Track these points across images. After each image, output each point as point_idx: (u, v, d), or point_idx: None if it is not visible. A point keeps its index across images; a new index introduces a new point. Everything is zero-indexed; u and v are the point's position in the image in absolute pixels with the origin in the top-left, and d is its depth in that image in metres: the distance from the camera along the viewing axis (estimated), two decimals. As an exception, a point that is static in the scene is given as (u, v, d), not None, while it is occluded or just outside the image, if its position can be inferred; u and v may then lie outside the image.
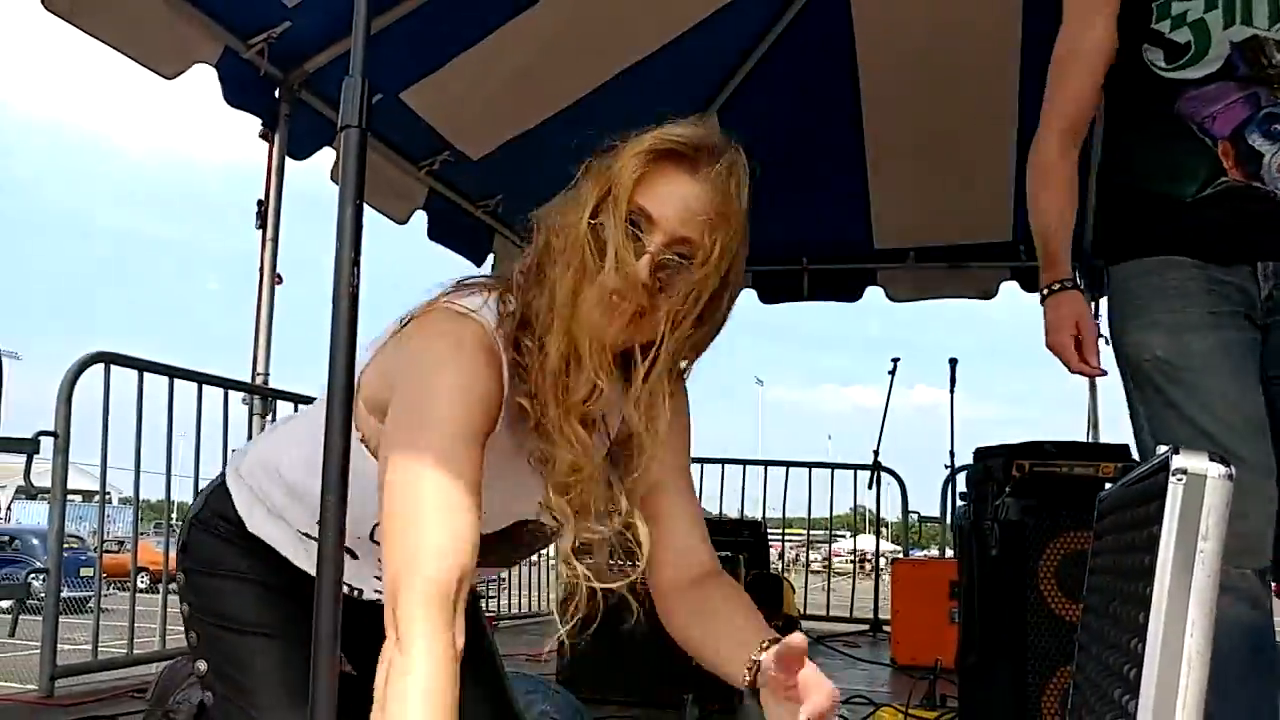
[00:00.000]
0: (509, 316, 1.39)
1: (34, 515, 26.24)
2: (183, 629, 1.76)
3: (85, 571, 13.26)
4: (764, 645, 1.35)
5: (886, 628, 6.34)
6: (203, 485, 1.82)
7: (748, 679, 1.31)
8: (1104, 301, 2.29)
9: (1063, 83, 2.31)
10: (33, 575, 16.06)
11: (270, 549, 1.68)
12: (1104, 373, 2.25)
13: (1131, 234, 2.20)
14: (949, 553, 7.05)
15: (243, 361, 4.85)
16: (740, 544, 5.83)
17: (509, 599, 7.78)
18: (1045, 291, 2.28)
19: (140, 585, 4.57)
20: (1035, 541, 3.13)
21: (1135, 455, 2.43)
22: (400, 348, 1.42)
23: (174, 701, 1.95)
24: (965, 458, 6.39)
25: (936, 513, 7.65)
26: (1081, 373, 2.25)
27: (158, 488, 4.69)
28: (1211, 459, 1.08)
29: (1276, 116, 2.04)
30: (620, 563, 1.50)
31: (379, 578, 1.54)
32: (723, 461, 7.90)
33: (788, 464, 8.03)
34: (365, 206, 1.17)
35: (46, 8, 3.62)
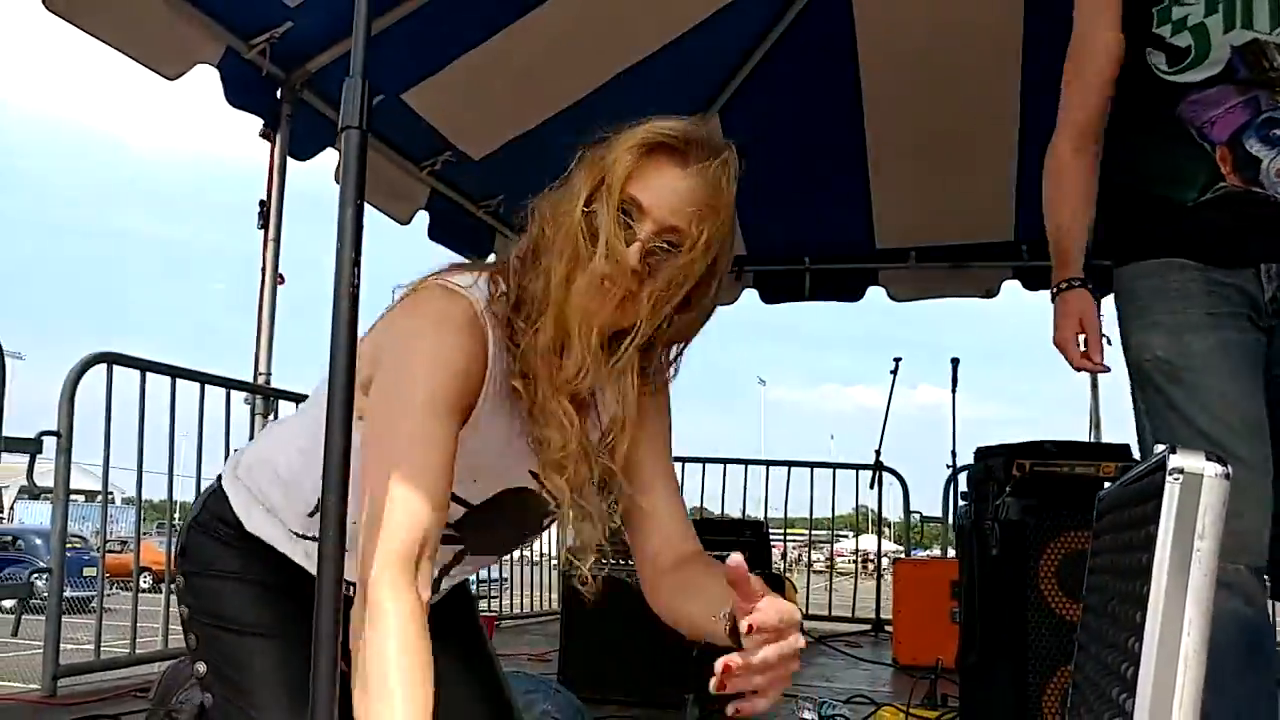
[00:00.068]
0: (501, 297, 1.45)
1: (37, 515, 26.26)
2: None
3: (88, 571, 13.28)
4: None
5: (888, 628, 6.34)
6: (205, 485, 1.82)
7: (726, 628, 1.31)
8: (1107, 301, 2.30)
9: (1074, 86, 2.34)
10: (35, 575, 16.07)
11: (269, 549, 1.68)
12: (1107, 369, 2.27)
13: (1134, 236, 2.22)
14: (951, 552, 7.05)
15: (245, 361, 4.86)
16: (742, 544, 5.83)
17: (510, 599, 7.78)
18: (1055, 290, 2.31)
19: (143, 585, 4.58)
20: (1036, 541, 3.14)
21: (1137, 455, 2.44)
22: (389, 325, 1.47)
23: (177, 701, 1.95)
24: (967, 457, 6.40)
25: (939, 513, 7.65)
26: (1083, 369, 2.27)
27: (160, 488, 4.71)
28: (1208, 458, 1.08)
29: (1275, 121, 2.05)
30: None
31: None
32: (725, 461, 7.91)
33: (789, 464, 8.03)
34: (367, 207, 1.18)
35: (48, 8, 3.62)
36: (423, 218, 5.81)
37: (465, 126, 5.61)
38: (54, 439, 3.90)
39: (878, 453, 7.60)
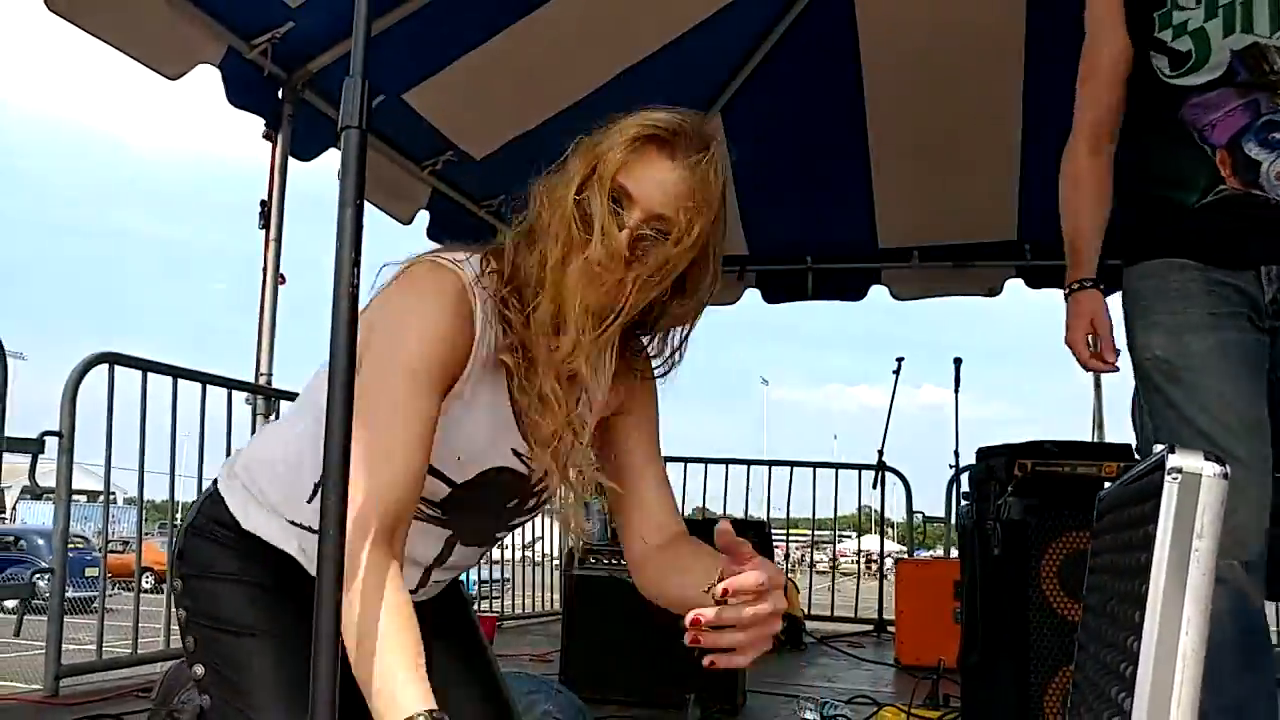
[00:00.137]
0: (493, 273, 1.50)
1: (39, 515, 26.28)
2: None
3: (90, 571, 13.30)
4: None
5: (891, 628, 6.34)
6: (206, 485, 1.83)
7: (715, 596, 1.31)
8: (1115, 300, 2.32)
9: (1087, 87, 2.37)
10: (38, 575, 16.06)
11: (267, 549, 1.68)
12: (1116, 369, 2.29)
13: (1139, 237, 2.24)
14: (954, 553, 7.05)
15: (247, 361, 4.87)
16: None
17: (512, 600, 7.78)
18: (1067, 290, 2.34)
19: (145, 585, 4.60)
20: (1037, 541, 3.14)
21: (1139, 455, 2.45)
22: (383, 301, 1.51)
23: (178, 701, 1.95)
24: (970, 457, 6.39)
25: (942, 513, 7.64)
26: (1093, 369, 2.31)
27: (162, 488, 4.70)
28: (1207, 458, 1.09)
29: (1275, 124, 2.06)
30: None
31: None
32: (727, 462, 7.90)
33: (792, 464, 8.03)
34: (368, 207, 1.18)
35: (49, 8, 3.62)
36: (424, 218, 5.81)
37: (466, 126, 5.62)
38: (56, 439, 3.90)
39: (880, 453, 7.60)
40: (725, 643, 1.26)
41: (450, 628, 1.84)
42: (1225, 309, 2.09)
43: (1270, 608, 2.14)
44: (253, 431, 4.65)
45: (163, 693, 2.04)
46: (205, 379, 4.54)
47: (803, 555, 10.23)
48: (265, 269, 4.80)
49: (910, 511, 7.92)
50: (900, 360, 7.63)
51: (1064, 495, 3.15)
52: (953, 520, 7.27)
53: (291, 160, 4.82)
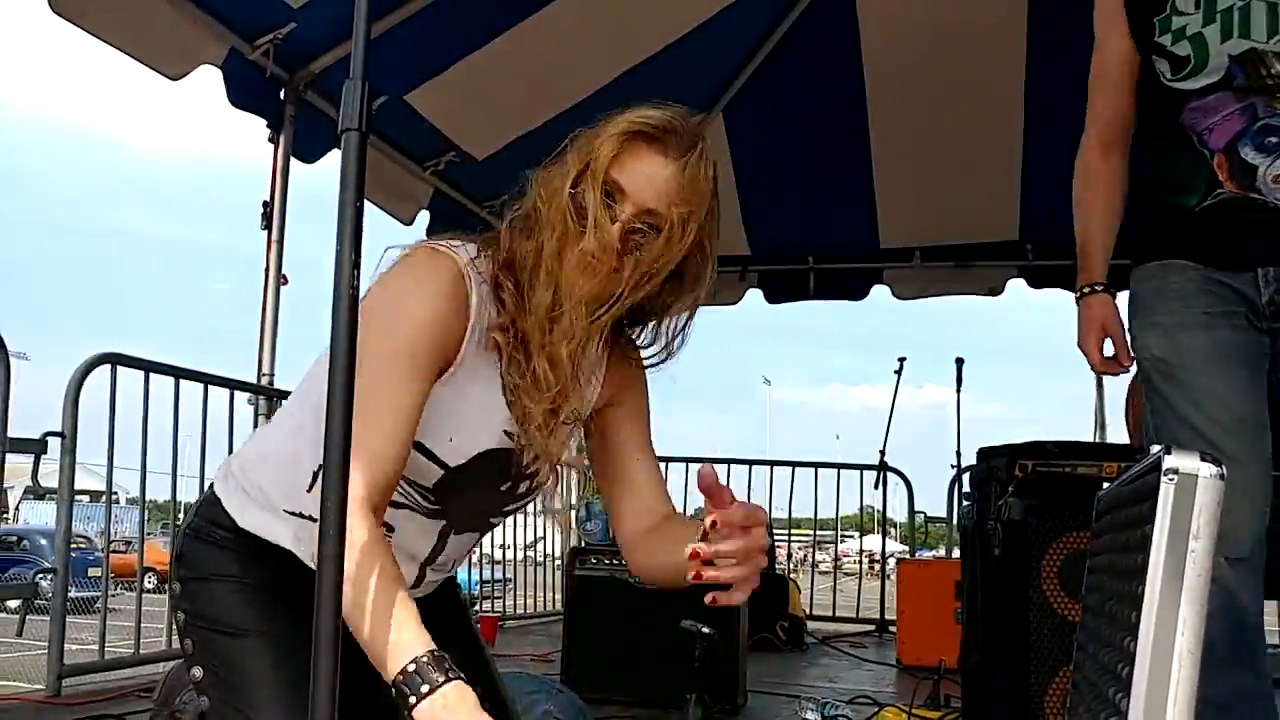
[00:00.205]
0: (489, 258, 1.56)
1: (42, 515, 26.28)
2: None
3: (93, 571, 13.31)
4: None
5: (893, 628, 6.35)
6: (206, 488, 1.84)
7: (704, 529, 1.38)
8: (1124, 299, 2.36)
9: (1096, 94, 2.40)
10: (40, 575, 16.07)
11: (266, 550, 1.69)
12: (1127, 370, 2.32)
13: (1143, 239, 2.27)
14: (956, 553, 7.05)
15: (249, 362, 4.87)
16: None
17: (513, 600, 7.79)
18: (1078, 293, 2.37)
19: (147, 585, 4.60)
20: (1038, 541, 3.14)
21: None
22: (381, 286, 1.55)
23: (180, 702, 1.96)
24: (972, 457, 6.39)
25: (944, 513, 7.64)
26: (1106, 373, 2.35)
27: (164, 488, 4.71)
28: (1203, 459, 1.09)
29: (1271, 129, 2.09)
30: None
31: None
32: (729, 461, 7.90)
33: (794, 464, 8.03)
34: (369, 207, 1.19)
35: (53, 9, 3.63)
36: (424, 218, 5.82)
37: (468, 127, 5.62)
38: (58, 439, 3.91)
39: (882, 453, 7.60)
40: (724, 577, 1.31)
41: (447, 629, 1.84)
42: (1221, 308, 2.12)
43: (1270, 607, 2.14)
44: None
45: (165, 693, 2.04)
46: (207, 379, 4.55)
47: (805, 555, 10.20)
48: (267, 269, 4.81)
49: (912, 512, 7.92)
50: (902, 360, 7.63)
51: (1065, 495, 3.15)
52: (954, 520, 7.27)
53: (293, 161, 4.83)
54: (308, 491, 1.62)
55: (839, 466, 8.19)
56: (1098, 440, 6.49)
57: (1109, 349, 2.32)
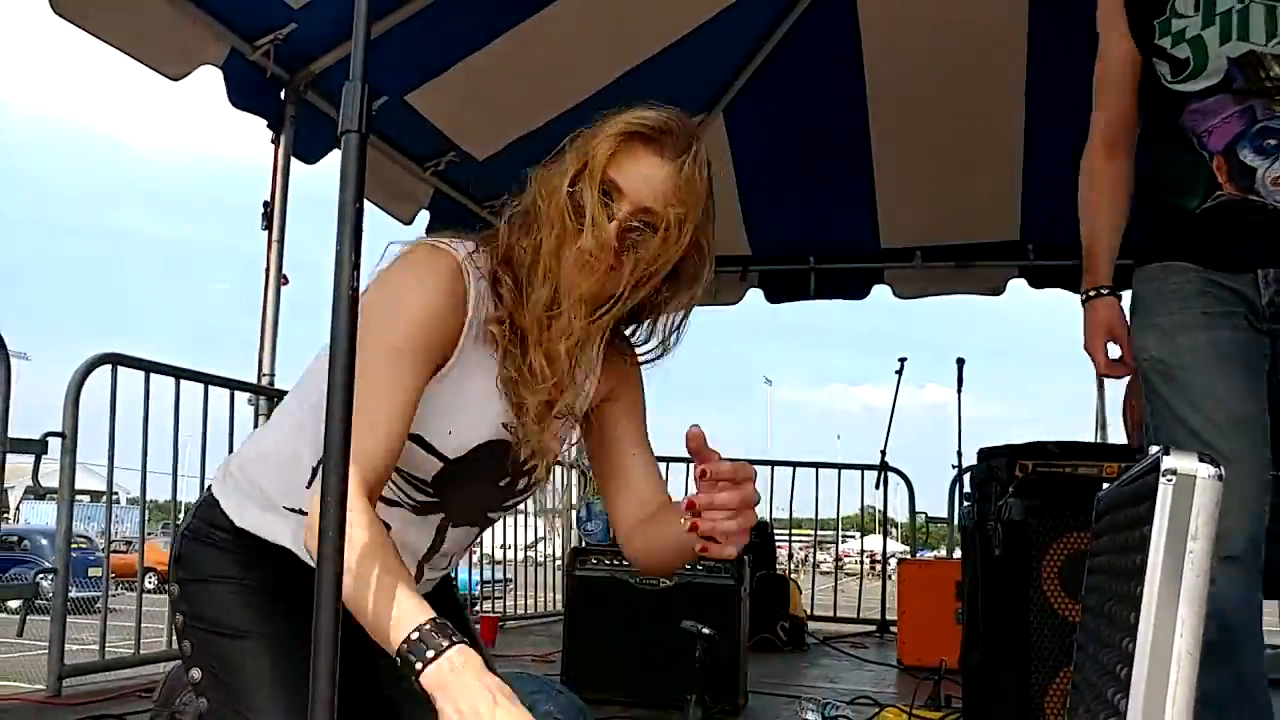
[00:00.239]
0: (487, 253, 1.60)
1: (42, 515, 26.26)
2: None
3: (93, 571, 13.30)
4: None
5: (894, 629, 6.35)
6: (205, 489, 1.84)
7: (695, 478, 1.45)
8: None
9: (1100, 95, 2.41)
10: (41, 575, 16.06)
11: (264, 551, 1.69)
12: (1132, 373, 2.33)
13: (1145, 240, 2.29)
14: (958, 553, 7.04)
15: (249, 362, 4.87)
16: (747, 545, 5.84)
17: (515, 600, 7.79)
18: (1084, 296, 2.38)
19: (147, 585, 4.60)
20: (1038, 542, 3.14)
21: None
22: (380, 283, 1.57)
23: (180, 703, 1.96)
24: (973, 457, 6.38)
25: (945, 513, 7.63)
26: (1111, 375, 2.36)
27: (165, 488, 4.72)
28: (1201, 460, 1.09)
29: (1269, 131, 2.10)
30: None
31: None
32: (730, 462, 7.87)
33: (794, 464, 8.02)
34: (369, 206, 1.19)
35: (54, 9, 3.64)
36: (424, 217, 5.82)
37: (469, 127, 5.62)
38: (59, 440, 3.91)
39: (883, 453, 7.60)
40: (719, 529, 1.38)
41: None
42: (1219, 308, 2.13)
43: (1270, 607, 2.14)
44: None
45: (165, 694, 2.05)
46: (207, 380, 4.55)
47: (805, 556, 10.20)
48: (268, 269, 4.81)
49: (913, 512, 7.92)
50: (903, 360, 7.63)
51: (1065, 496, 3.15)
52: (955, 520, 7.27)
53: (294, 161, 4.83)
54: (307, 487, 1.62)
55: (840, 467, 8.19)
56: (1099, 440, 6.50)
57: (1115, 352, 2.33)
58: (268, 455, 1.73)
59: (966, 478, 6.67)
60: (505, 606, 7.68)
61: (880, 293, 7.32)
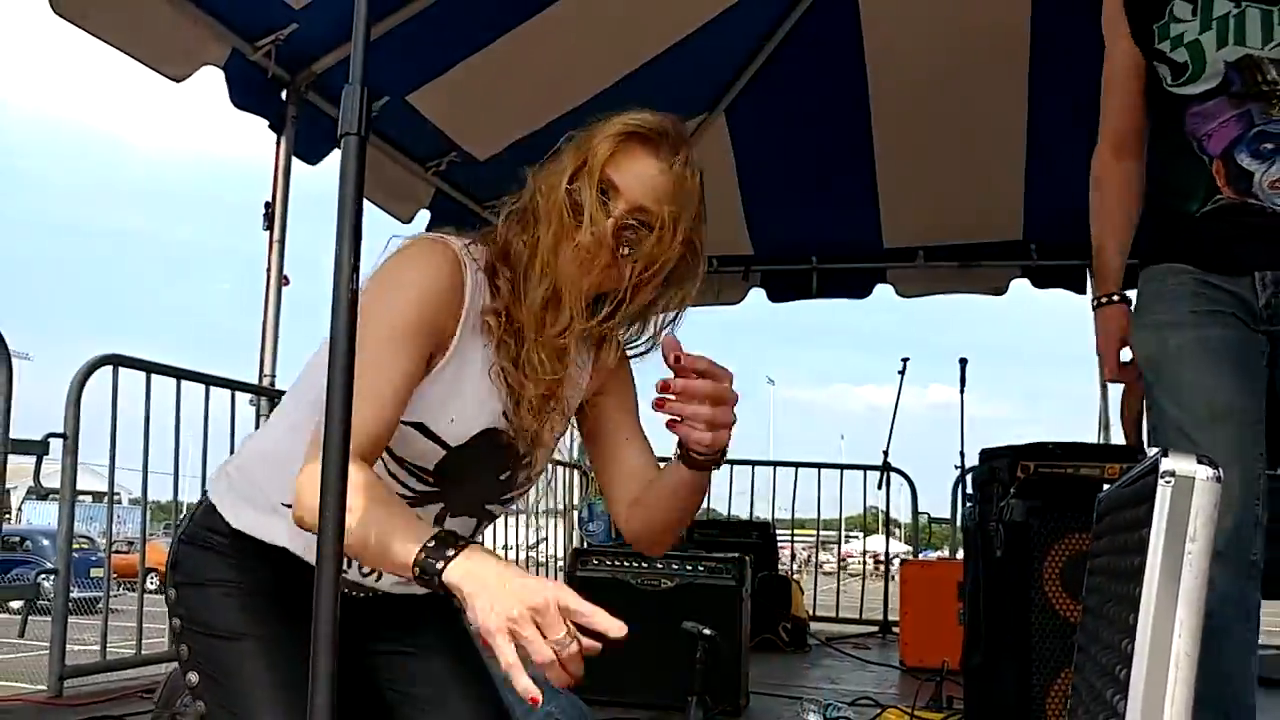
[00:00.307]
0: (484, 247, 1.63)
1: (44, 516, 26.22)
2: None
3: (95, 572, 13.29)
4: None
5: (896, 629, 6.34)
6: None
7: (676, 455, 1.57)
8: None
9: (1107, 99, 2.43)
10: (42, 576, 16.06)
11: (261, 553, 1.69)
12: (1141, 378, 2.33)
13: (1149, 243, 2.31)
14: (960, 554, 7.04)
15: (250, 362, 4.87)
16: (749, 545, 5.85)
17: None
18: (1094, 303, 2.41)
19: (149, 586, 4.60)
20: (1040, 543, 3.14)
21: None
22: (379, 275, 1.59)
23: (181, 705, 1.96)
24: (975, 458, 6.37)
25: (948, 513, 7.63)
26: (1121, 381, 2.39)
27: (166, 488, 4.72)
28: (1200, 461, 1.09)
29: (1267, 135, 2.12)
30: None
31: (365, 572, 1.70)
32: (732, 462, 7.88)
33: (797, 465, 8.02)
34: (369, 206, 1.19)
35: (55, 10, 3.64)
36: (424, 217, 5.83)
37: (470, 128, 5.62)
38: (60, 440, 3.91)
39: (885, 454, 7.60)
40: (687, 411, 1.46)
41: (444, 631, 1.86)
42: (1208, 307, 2.15)
43: (1271, 607, 2.13)
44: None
45: (166, 695, 2.05)
46: (209, 380, 4.55)
47: (808, 556, 10.21)
48: (269, 270, 4.81)
49: (915, 512, 7.92)
50: (905, 360, 7.63)
51: (1067, 497, 3.15)
52: (958, 521, 7.27)
53: (295, 161, 4.83)
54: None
55: (843, 467, 8.19)
56: (1101, 441, 6.49)
57: (1127, 355, 2.34)
58: (265, 455, 1.74)
59: (969, 478, 6.68)
60: (507, 607, 7.65)
61: (883, 291, 7.32)
